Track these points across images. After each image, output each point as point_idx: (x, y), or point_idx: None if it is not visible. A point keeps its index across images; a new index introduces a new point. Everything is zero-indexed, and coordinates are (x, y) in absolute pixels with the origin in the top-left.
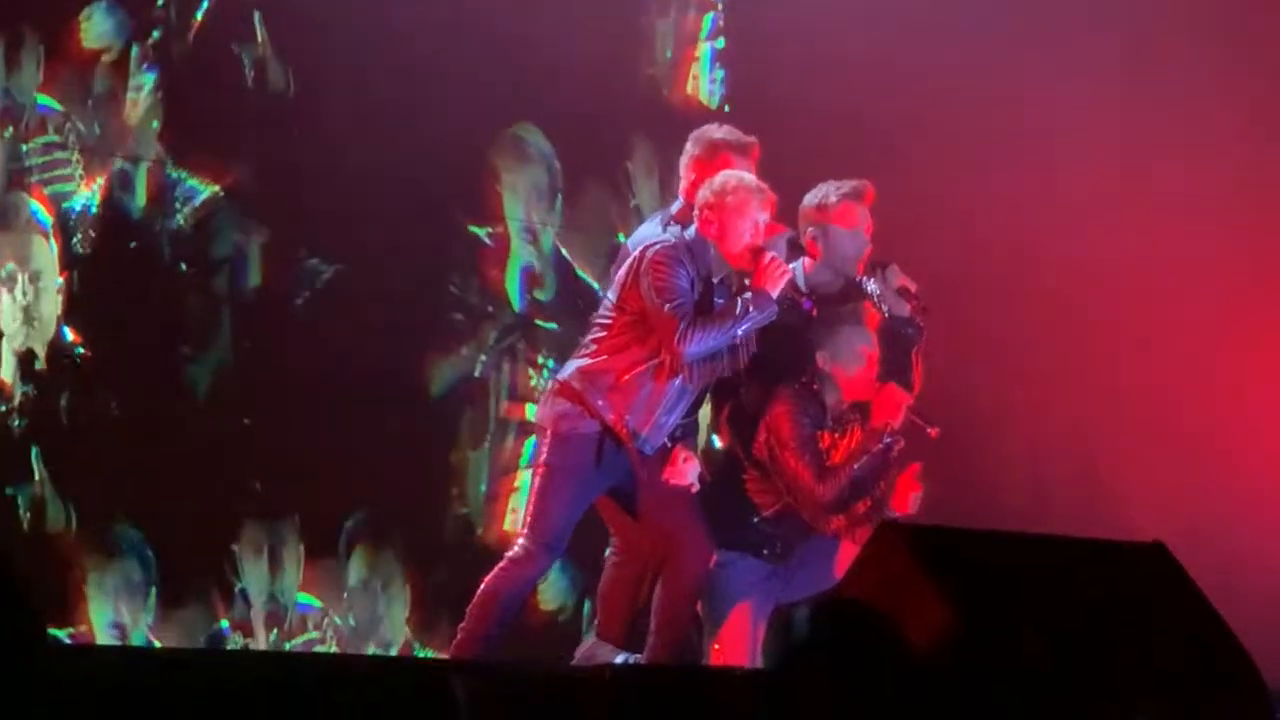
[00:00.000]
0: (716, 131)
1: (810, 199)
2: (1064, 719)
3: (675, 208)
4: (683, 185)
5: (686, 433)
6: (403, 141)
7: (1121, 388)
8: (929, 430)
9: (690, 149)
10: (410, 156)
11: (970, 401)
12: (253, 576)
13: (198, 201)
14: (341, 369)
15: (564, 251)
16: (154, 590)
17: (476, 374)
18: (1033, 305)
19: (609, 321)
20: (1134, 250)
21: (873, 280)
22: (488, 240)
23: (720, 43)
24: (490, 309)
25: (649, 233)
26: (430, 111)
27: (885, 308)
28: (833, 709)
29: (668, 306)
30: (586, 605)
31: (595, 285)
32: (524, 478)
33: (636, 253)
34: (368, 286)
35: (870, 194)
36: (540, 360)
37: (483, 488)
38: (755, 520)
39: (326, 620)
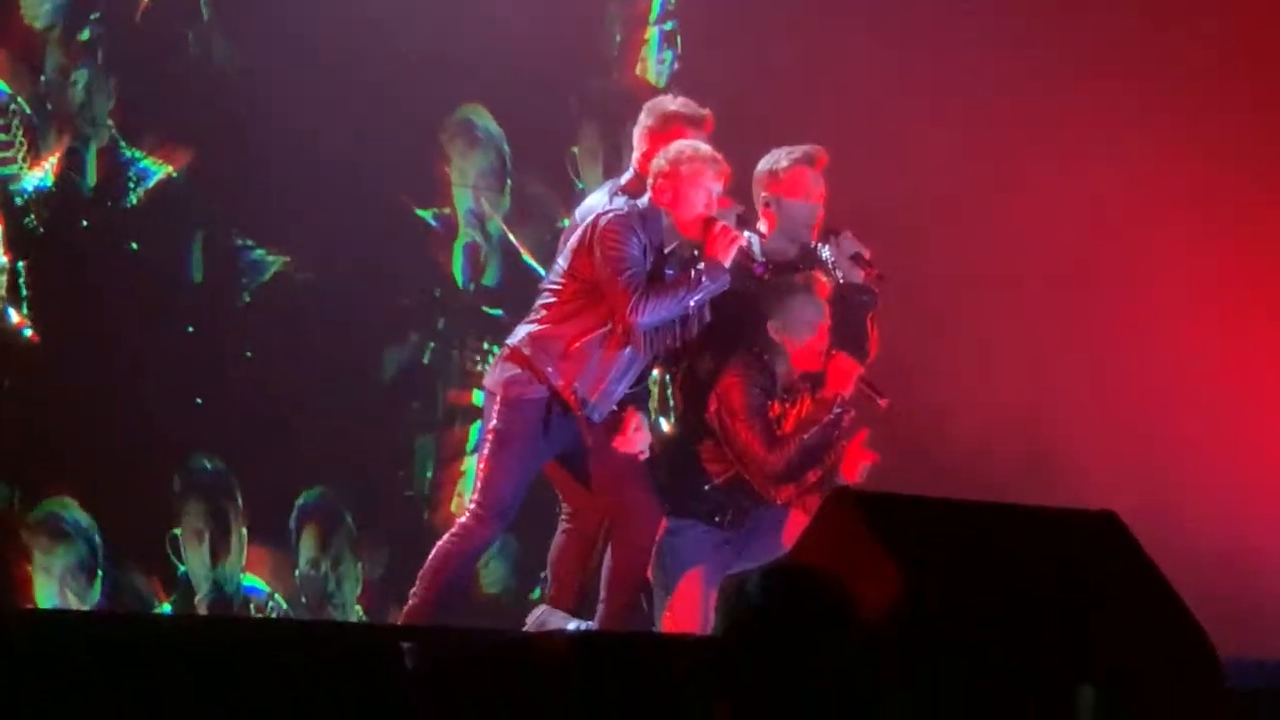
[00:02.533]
0: (671, 103)
1: (763, 165)
2: (1013, 686)
3: (625, 178)
4: (635, 156)
5: (637, 400)
6: (351, 122)
7: (1073, 357)
8: (879, 401)
9: (644, 120)
10: (358, 137)
11: (920, 370)
12: (195, 560)
13: (151, 182)
14: (292, 352)
15: (511, 237)
16: (100, 574)
17: (426, 360)
18: (983, 274)
19: (559, 288)
20: (1086, 225)
21: (827, 247)
22: (434, 223)
23: (669, 25)
24: (438, 293)
25: (597, 202)
26: (379, 93)
27: (839, 274)
28: (784, 676)
29: (621, 276)
30: (535, 591)
31: (541, 271)
32: (470, 463)
33: (589, 220)
34: (316, 270)
35: (822, 159)
36: (486, 346)
37: (429, 472)
38: (706, 488)
39: (272, 603)
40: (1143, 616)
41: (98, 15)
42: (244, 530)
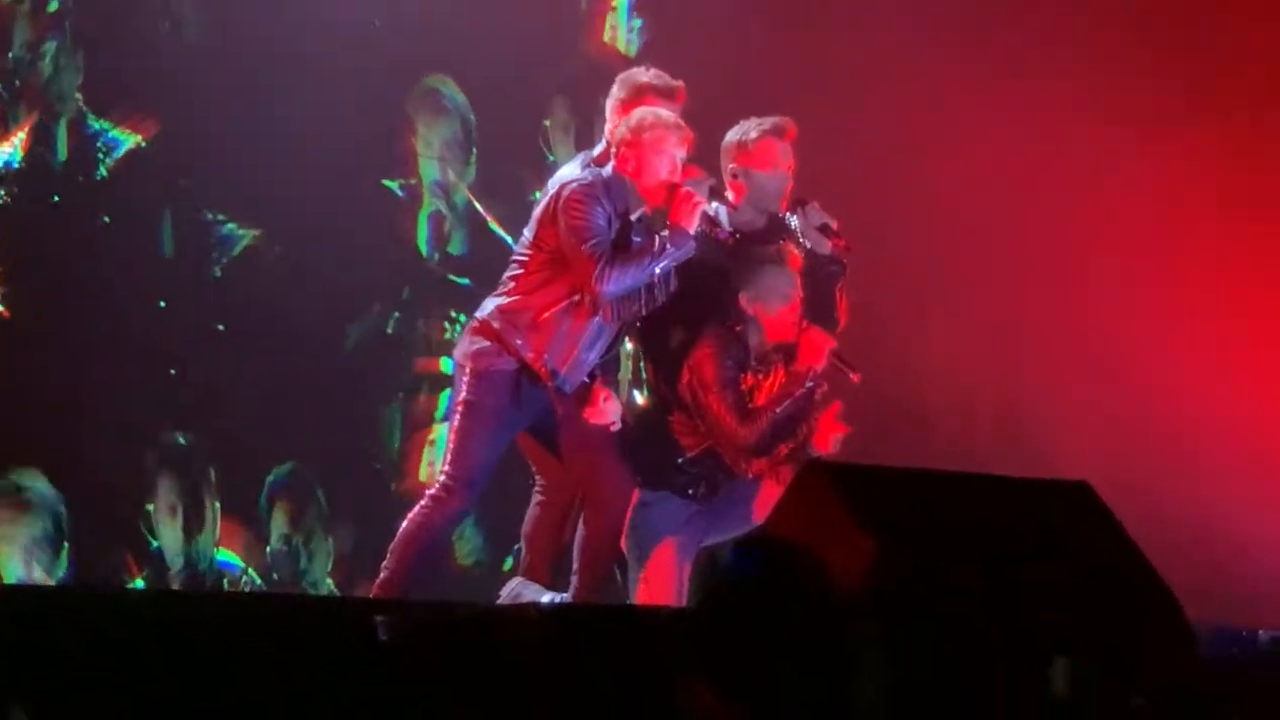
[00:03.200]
0: (643, 75)
1: (731, 136)
2: (988, 656)
3: (598, 150)
4: (607, 128)
5: (607, 371)
6: (318, 93)
7: (1046, 329)
8: (852, 375)
9: (616, 92)
10: (326, 108)
11: (893, 342)
12: (168, 535)
13: (120, 153)
14: (262, 325)
15: (477, 205)
16: (67, 547)
17: (390, 330)
18: (955, 245)
19: (526, 259)
20: (1056, 189)
21: (794, 218)
22: (401, 194)
23: None
24: (403, 263)
25: (569, 174)
26: (346, 63)
27: (807, 244)
28: (758, 647)
29: (585, 245)
30: (508, 561)
31: (509, 240)
32: (439, 431)
33: (554, 191)
34: (284, 241)
35: (791, 131)
36: (454, 314)
37: (397, 442)
38: (679, 461)
39: (245, 578)
40: (1116, 586)
41: None
42: (217, 505)
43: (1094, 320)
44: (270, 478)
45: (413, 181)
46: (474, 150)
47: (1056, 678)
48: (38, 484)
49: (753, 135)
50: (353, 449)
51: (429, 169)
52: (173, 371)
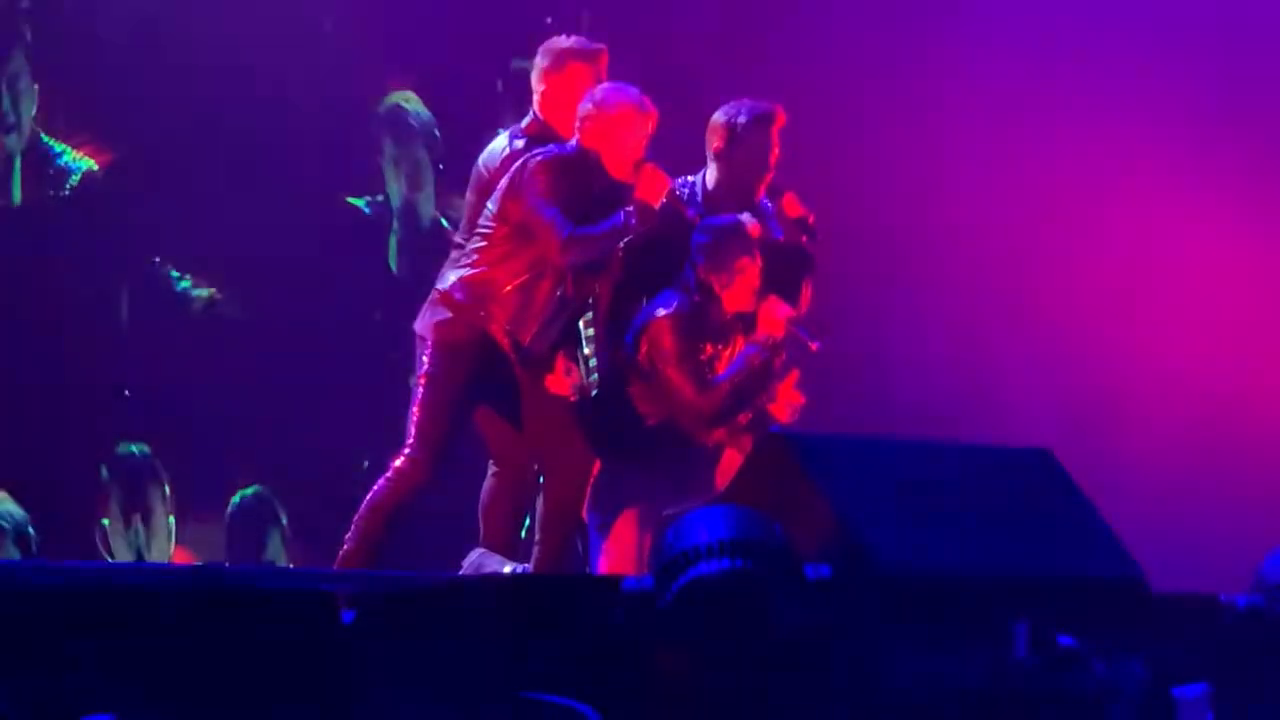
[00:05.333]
0: (564, 41)
1: (719, 116)
2: (950, 624)
3: (526, 121)
4: (535, 98)
5: (568, 342)
6: (279, 109)
7: (1007, 294)
8: (810, 345)
9: (539, 61)
10: (288, 127)
11: (852, 310)
12: (122, 551)
13: (75, 177)
14: (224, 344)
15: (443, 222)
16: None
17: (364, 352)
18: (915, 211)
19: (489, 232)
20: (1013, 157)
21: (769, 203)
22: (368, 211)
23: None
24: (375, 284)
25: (499, 147)
26: (306, 80)
27: (779, 235)
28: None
29: (550, 220)
30: None
31: None
32: None
33: (518, 163)
34: (249, 257)
35: (781, 119)
36: None
37: (366, 463)
38: (640, 430)
39: None
40: (1078, 553)
41: (25, 5)
42: (171, 520)
43: (1061, 290)
44: (235, 499)
45: (379, 199)
46: (440, 166)
47: (1019, 644)
48: (5, 505)
49: (741, 120)
50: (323, 474)
51: (395, 187)
52: (127, 393)
